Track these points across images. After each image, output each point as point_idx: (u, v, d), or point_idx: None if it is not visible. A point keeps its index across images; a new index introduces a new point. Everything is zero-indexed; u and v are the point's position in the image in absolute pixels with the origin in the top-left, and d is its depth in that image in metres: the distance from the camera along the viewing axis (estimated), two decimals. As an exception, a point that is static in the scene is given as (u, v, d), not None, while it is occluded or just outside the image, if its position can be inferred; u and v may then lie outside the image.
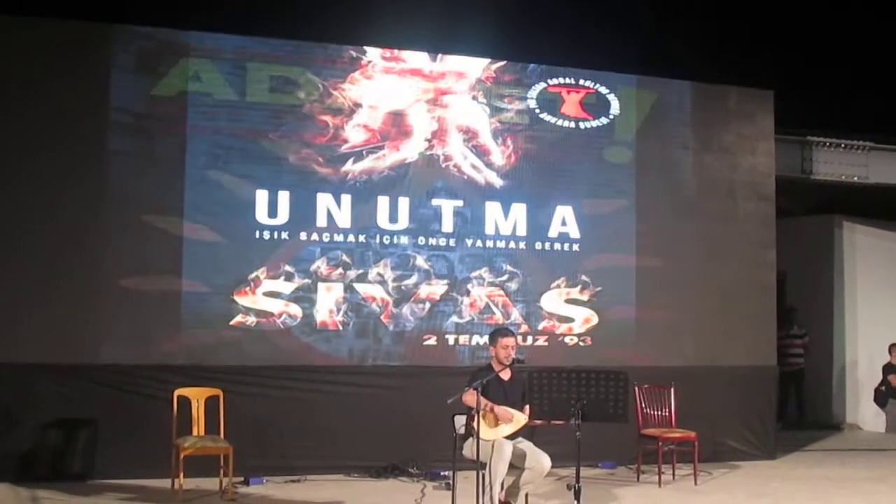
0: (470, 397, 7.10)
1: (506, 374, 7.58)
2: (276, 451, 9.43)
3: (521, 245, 10.60)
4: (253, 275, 9.72)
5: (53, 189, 9.20)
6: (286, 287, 9.83)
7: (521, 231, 10.61)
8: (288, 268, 9.84)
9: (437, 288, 10.31)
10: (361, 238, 10.10)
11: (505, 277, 10.53)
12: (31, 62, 9.22)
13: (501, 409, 7.35)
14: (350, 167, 10.12)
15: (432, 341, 10.26)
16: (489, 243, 10.50)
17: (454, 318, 10.34)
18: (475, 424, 6.99)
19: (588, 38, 10.92)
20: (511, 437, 7.36)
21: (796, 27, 11.72)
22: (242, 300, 9.68)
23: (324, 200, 10.02)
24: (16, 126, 9.18)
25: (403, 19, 10.12)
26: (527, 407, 7.33)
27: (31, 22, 9.29)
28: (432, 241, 10.34)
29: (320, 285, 9.94)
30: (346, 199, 10.09)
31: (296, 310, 9.85)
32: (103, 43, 9.47)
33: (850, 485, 9.82)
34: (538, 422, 7.23)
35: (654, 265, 11.05)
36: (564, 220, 10.78)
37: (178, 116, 9.61)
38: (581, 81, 10.99)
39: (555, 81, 10.89)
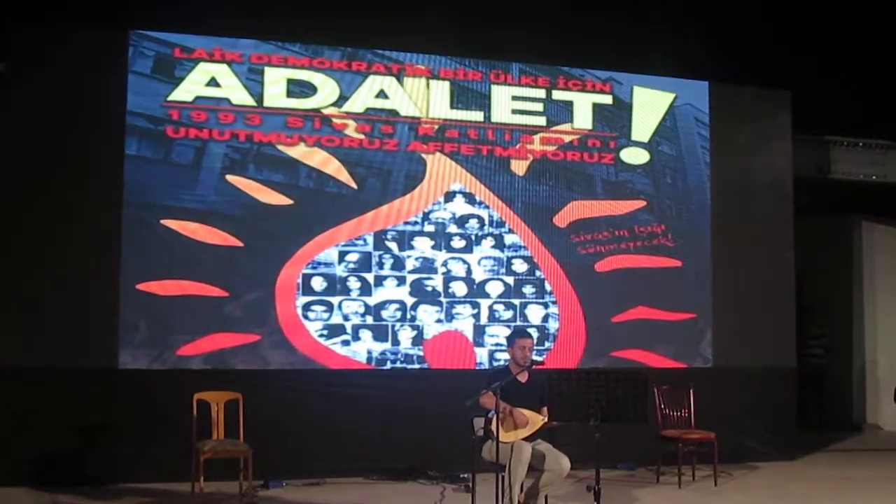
0: (488, 400, 7.11)
1: (523, 377, 7.57)
2: (295, 455, 9.43)
3: (539, 247, 10.58)
4: (271, 278, 9.75)
5: (71, 193, 9.25)
6: (304, 290, 9.85)
7: (539, 233, 10.60)
8: (306, 271, 9.87)
9: (455, 290, 10.32)
10: (380, 241, 10.12)
11: (523, 280, 10.52)
12: (50, 68, 9.27)
13: (519, 413, 7.34)
14: (368, 170, 10.14)
15: (451, 344, 10.27)
16: (507, 245, 10.50)
17: (472, 321, 10.34)
18: (493, 427, 6.99)
19: (606, 38, 10.89)
20: (529, 438, 7.36)
21: (813, 26, 11.66)
22: (260, 303, 9.70)
23: (341, 203, 10.04)
24: (33, 131, 9.23)
25: (422, 23, 10.12)
26: (545, 408, 7.34)
27: (50, 28, 9.34)
28: (450, 244, 10.35)
29: (339, 288, 9.96)
30: (364, 201, 10.11)
31: (315, 313, 9.87)
32: (121, 48, 9.51)
33: (872, 485, 9.78)
34: (555, 423, 7.24)
35: (672, 266, 11.04)
36: (582, 221, 10.77)
37: (196, 121, 9.66)
38: (598, 82, 10.99)
39: (572, 82, 10.89)
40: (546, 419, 7.34)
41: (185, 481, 8.55)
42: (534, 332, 10.14)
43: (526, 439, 7.32)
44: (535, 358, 7.67)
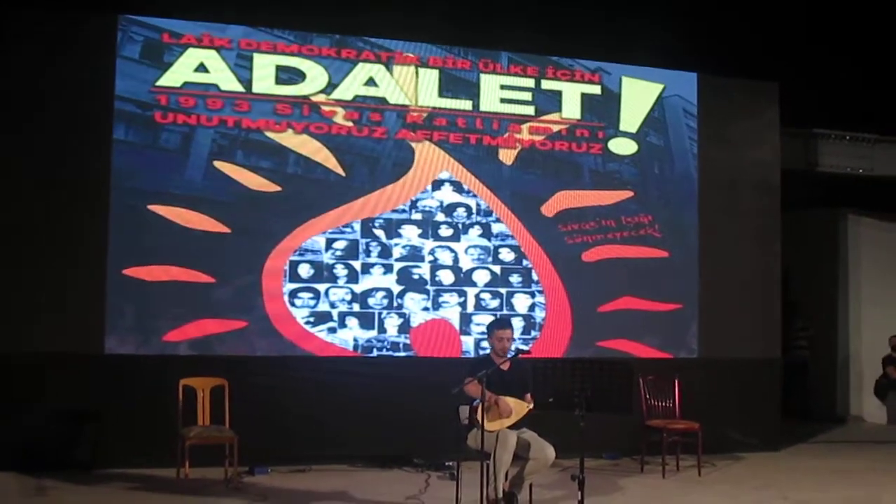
0: (473, 388, 7.11)
1: (505, 366, 7.56)
2: (281, 441, 9.44)
3: (526, 236, 10.59)
4: (258, 265, 9.74)
5: (58, 178, 9.21)
6: (291, 277, 9.84)
7: (526, 222, 10.61)
8: (293, 258, 9.86)
9: (442, 278, 10.33)
10: (367, 228, 10.11)
11: (509, 269, 10.54)
12: (38, 51, 9.23)
13: (504, 401, 7.34)
14: (356, 158, 10.13)
15: (437, 332, 10.28)
16: (494, 234, 10.50)
17: (459, 310, 10.35)
18: (479, 415, 7.01)
19: (595, 28, 10.89)
20: (515, 426, 7.37)
21: (801, 19, 11.70)
22: (247, 290, 9.70)
23: (329, 190, 10.04)
24: (21, 115, 9.18)
25: (412, 11, 10.11)
26: (527, 395, 7.36)
27: (38, 12, 9.29)
28: (437, 232, 10.35)
29: (325, 275, 9.96)
30: (352, 189, 10.11)
31: (301, 300, 9.87)
32: (109, 33, 9.47)
33: (854, 476, 9.84)
34: (539, 410, 7.25)
35: (659, 256, 11.06)
36: (569, 211, 10.78)
37: (184, 107, 9.63)
38: (587, 72, 11.00)
39: (560, 71, 10.89)
40: (531, 406, 7.36)
41: (170, 467, 8.55)
42: (520, 322, 10.22)
43: (511, 427, 7.34)
44: (521, 347, 7.68)
